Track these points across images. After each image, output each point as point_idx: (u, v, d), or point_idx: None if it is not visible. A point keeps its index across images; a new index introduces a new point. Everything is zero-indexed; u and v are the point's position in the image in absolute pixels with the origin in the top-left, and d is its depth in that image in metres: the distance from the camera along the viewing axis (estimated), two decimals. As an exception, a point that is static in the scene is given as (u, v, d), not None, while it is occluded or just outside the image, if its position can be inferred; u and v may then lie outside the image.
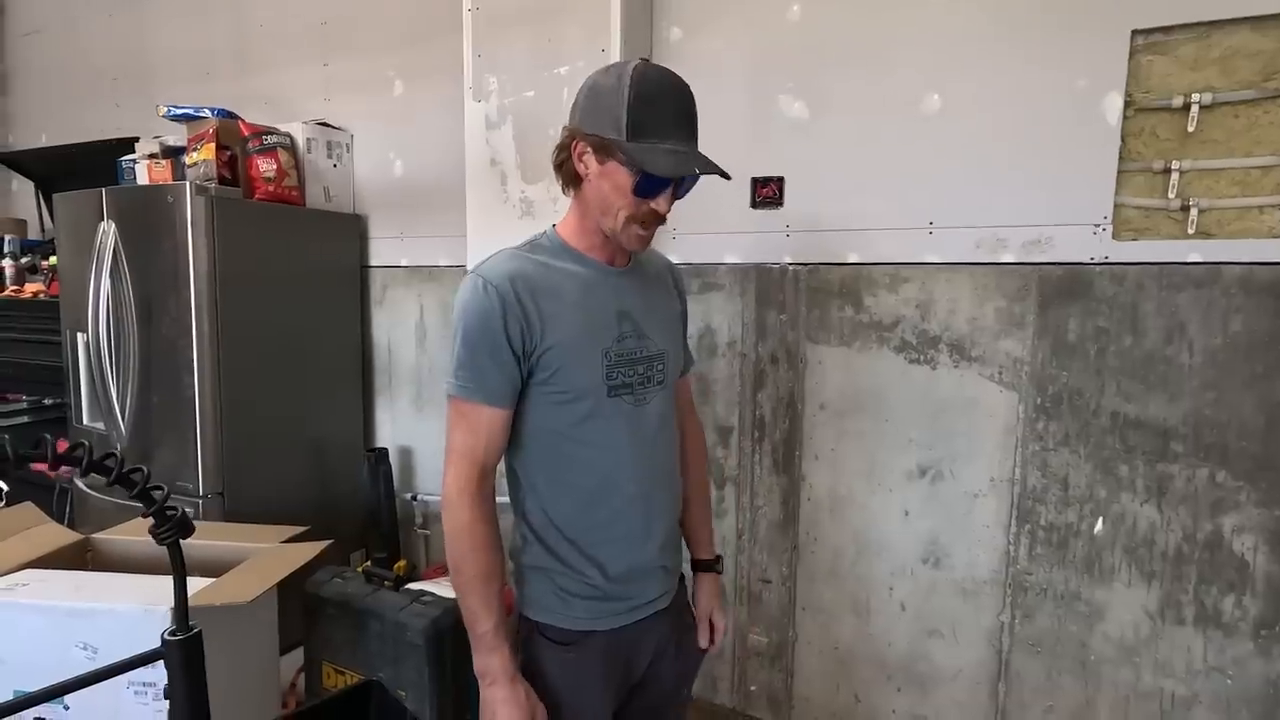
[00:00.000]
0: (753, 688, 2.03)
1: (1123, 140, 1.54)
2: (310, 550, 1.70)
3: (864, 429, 1.83)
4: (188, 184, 2.02)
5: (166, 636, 0.82)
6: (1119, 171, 1.54)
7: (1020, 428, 1.67)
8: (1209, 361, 1.49)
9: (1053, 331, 1.62)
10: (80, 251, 2.24)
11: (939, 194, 1.69)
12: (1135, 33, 1.50)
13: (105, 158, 2.45)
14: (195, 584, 1.53)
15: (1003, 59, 1.60)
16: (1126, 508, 1.59)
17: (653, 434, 1.07)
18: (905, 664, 1.83)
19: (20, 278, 2.91)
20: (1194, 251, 1.50)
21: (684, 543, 1.26)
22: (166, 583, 1.52)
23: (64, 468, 2.51)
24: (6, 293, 2.85)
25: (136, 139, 2.40)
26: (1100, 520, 1.61)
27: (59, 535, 1.78)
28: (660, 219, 1.01)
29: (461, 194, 2.26)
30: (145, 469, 0.79)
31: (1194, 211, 1.50)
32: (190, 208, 2.01)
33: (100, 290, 2.17)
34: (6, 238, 3.09)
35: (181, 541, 1.76)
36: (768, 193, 1.88)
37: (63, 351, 2.38)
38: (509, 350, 0.97)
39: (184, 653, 0.83)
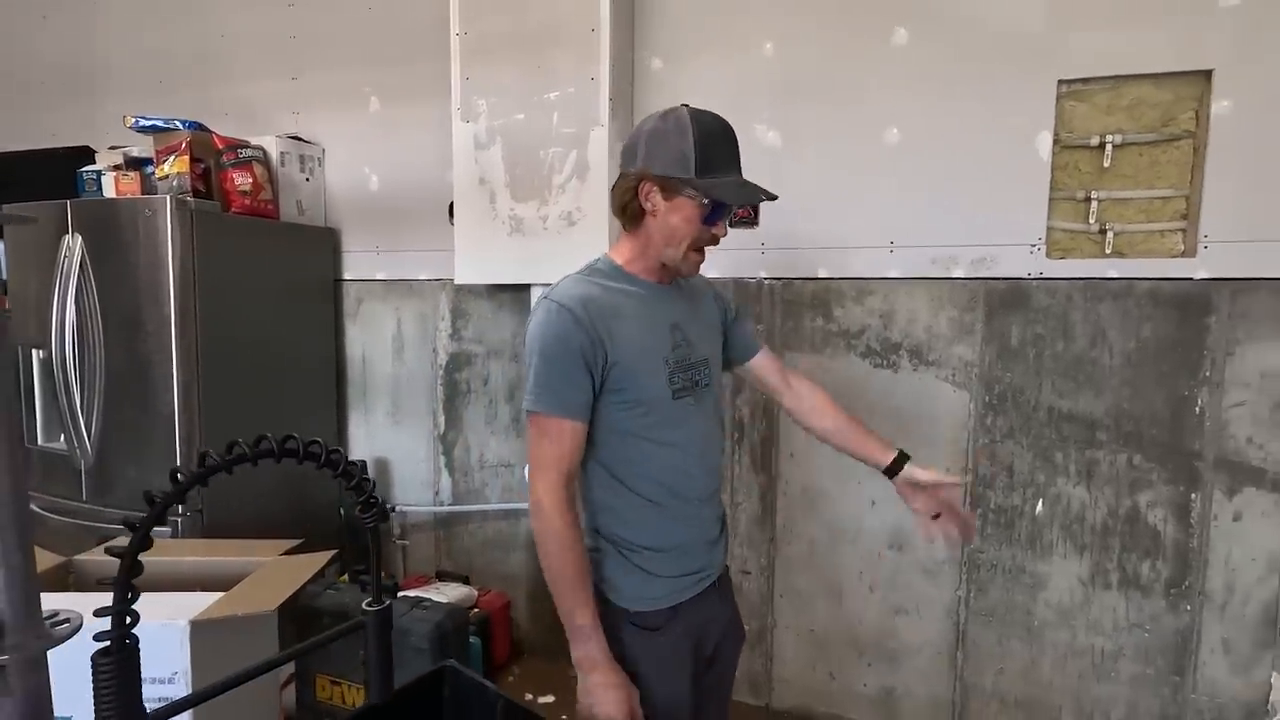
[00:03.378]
0: (735, 673, 2.17)
1: (1052, 173, 1.79)
2: (318, 561, 1.72)
3: (835, 428, 2.01)
4: (167, 198, 2.00)
5: (366, 608, 0.99)
6: (1050, 199, 1.79)
7: (971, 423, 1.89)
8: (1126, 362, 1.76)
9: (998, 338, 1.85)
10: (38, 266, 2.15)
11: (899, 216, 1.90)
12: (1061, 82, 1.76)
13: (48, 167, 2.36)
14: (205, 598, 1.53)
15: (953, 98, 1.83)
16: (1062, 490, 1.83)
17: (707, 428, 1.20)
18: (875, 641, 2.02)
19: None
20: (1111, 269, 1.76)
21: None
22: (169, 598, 1.53)
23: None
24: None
25: (90, 149, 2.32)
26: (1040, 502, 1.85)
27: (37, 559, 1.72)
28: (715, 243, 1.14)
29: (442, 211, 2.33)
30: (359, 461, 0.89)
31: (1110, 234, 1.77)
32: (170, 222, 1.98)
33: (65, 306, 2.09)
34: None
35: (178, 559, 1.75)
36: (744, 213, 2.05)
37: (21, 369, 2.26)
38: (584, 368, 1.07)
39: (380, 621, 0.98)
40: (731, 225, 2.04)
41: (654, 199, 1.10)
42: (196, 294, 2.05)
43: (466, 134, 2.11)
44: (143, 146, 2.30)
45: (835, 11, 1.91)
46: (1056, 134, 1.78)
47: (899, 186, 1.89)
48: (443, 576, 2.43)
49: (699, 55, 2.05)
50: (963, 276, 1.87)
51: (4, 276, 2.29)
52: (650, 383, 1.12)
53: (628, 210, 1.14)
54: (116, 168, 2.22)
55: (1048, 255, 1.81)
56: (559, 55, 1.98)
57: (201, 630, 1.42)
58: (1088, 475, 1.81)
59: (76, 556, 1.76)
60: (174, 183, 2.15)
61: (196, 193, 2.16)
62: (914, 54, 1.86)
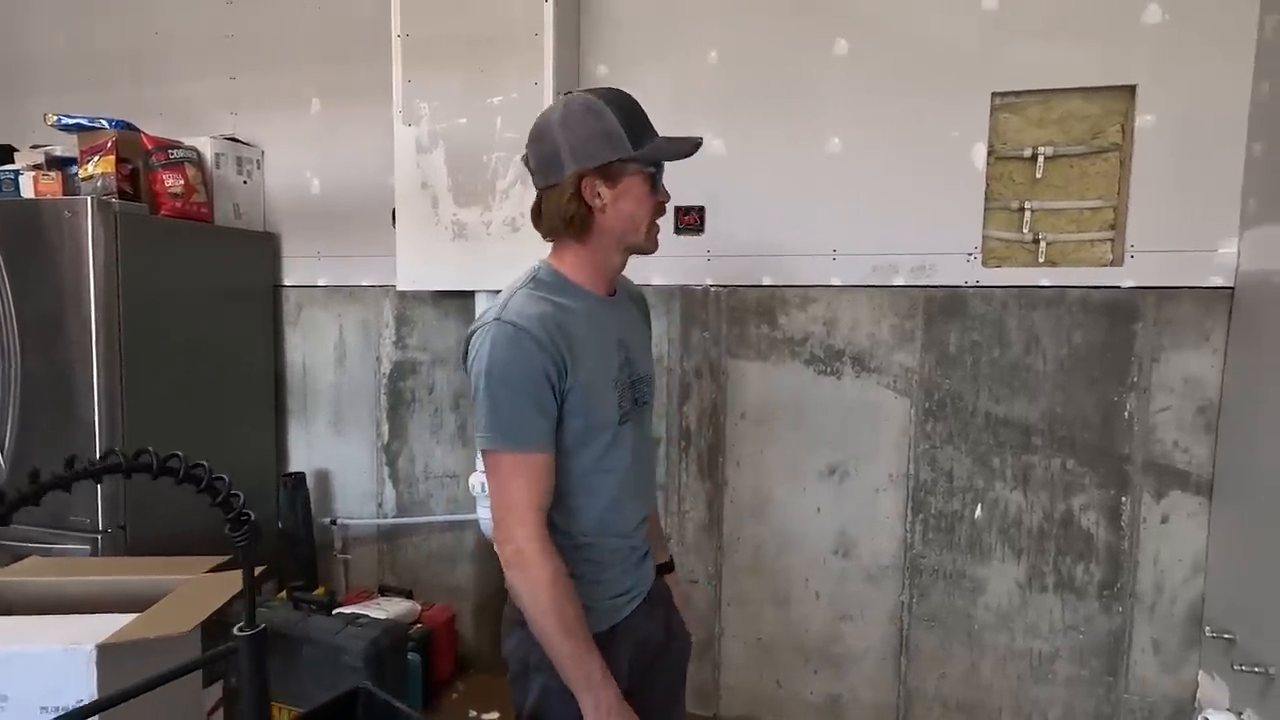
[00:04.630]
0: (683, 684, 2.15)
1: (987, 183, 1.82)
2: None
3: (780, 435, 2.02)
4: (89, 199, 1.91)
5: (237, 632, 0.88)
6: (985, 209, 1.83)
7: (912, 429, 1.91)
8: (1059, 368, 1.80)
9: (937, 345, 1.88)
10: (-51, 268, 2.03)
11: (841, 225, 1.92)
12: (995, 94, 1.80)
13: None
14: (119, 620, 1.45)
15: (892, 109, 1.86)
16: (999, 494, 1.86)
17: (644, 449, 1.16)
18: (821, 647, 2.02)
19: None
20: (1044, 277, 1.80)
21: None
22: (79, 621, 1.45)
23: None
24: None
25: (12, 148, 2.21)
26: (979, 506, 1.88)
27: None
28: (664, 212, 1.11)
29: (386, 215, 2.27)
30: (220, 474, 0.83)
31: (1043, 244, 1.81)
32: (92, 223, 1.89)
33: (-23, 311, 1.98)
34: None
35: (94, 578, 1.67)
36: (690, 220, 2.04)
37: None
38: (550, 391, 0.99)
39: (253, 646, 0.89)
40: (677, 232, 2.04)
41: (600, 193, 1.03)
42: (121, 298, 1.96)
43: (408, 137, 2.07)
44: (66, 146, 2.20)
45: (778, 21, 1.93)
46: (991, 145, 1.81)
47: (841, 195, 1.91)
48: (385, 591, 2.36)
49: (644, 62, 2.05)
50: (903, 284, 1.89)
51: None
52: (601, 408, 1.05)
53: (574, 219, 1.05)
54: (37, 167, 2.12)
55: (984, 264, 1.84)
56: (503, 60, 1.95)
57: (111, 655, 1.35)
58: (1024, 480, 1.84)
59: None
60: (98, 183, 2.06)
61: (123, 194, 2.07)
62: (854, 65, 1.88)
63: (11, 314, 1.98)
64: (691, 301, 2.06)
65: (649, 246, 1.10)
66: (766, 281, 2.00)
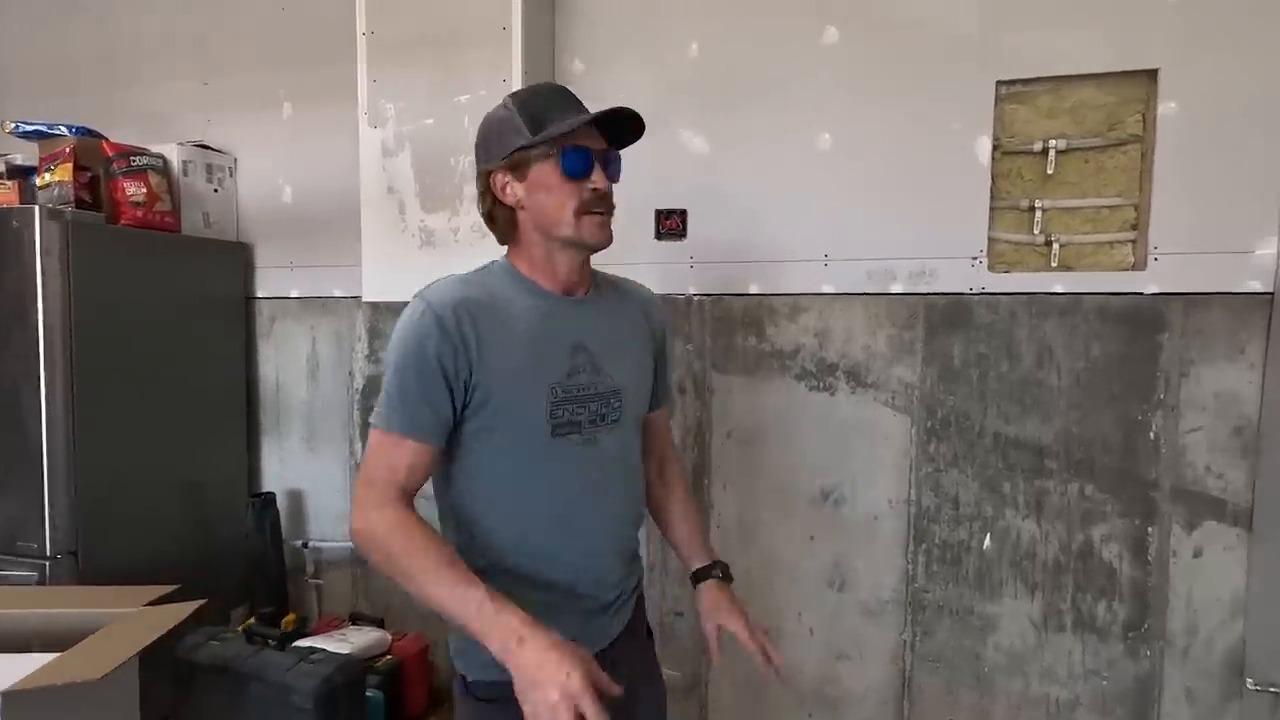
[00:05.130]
0: (668, 724, 1.99)
1: (993, 180, 1.66)
2: (178, 613, 1.52)
3: (769, 456, 1.86)
4: (36, 207, 1.82)
5: None
6: (991, 209, 1.67)
7: (914, 450, 1.75)
8: (1074, 384, 1.62)
9: (939, 357, 1.71)
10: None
11: (833, 227, 1.77)
12: (1000, 83, 1.64)
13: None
14: (37, 660, 1.34)
15: (887, 102, 1.71)
16: (1011, 523, 1.69)
17: (602, 477, 1.02)
18: (816, 688, 1.85)
19: None
20: (1057, 283, 1.63)
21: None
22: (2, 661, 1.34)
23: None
24: None
25: (-24, 157, 2.15)
26: (988, 536, 1.70)
27: None
28: (605, 199, 0.99)
29: (357, 222, 2.16)
30: None
31: (1056, 246, 1.64)
32: (40, 233, 1.80)
33: (-75, 325, 1.90)
34: None
35: (27, 611, 1.55)
36: (671, 225, 1.91)
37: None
38: (442, 379, 0.92)
39: None
40: (659, 238, 1.91)
41: (511, 187, 0.99)
42: (72, 312, 1.86)
43: (374, 140, 1.96)
44: (29, 154, 2.13)
45: (763, 10, 1.79)
46: (997, 139, 1.66)
47: (832, 195, 1.76)
48: (357, 620, 2.22)
49: (622, 57, 1.92)
50: (901, 292, 1.73)
51: None
52: (522, 413, 0.96)
53: (498, 218, 1.03)
54: (-3, 175, 2.04)
55: (990, 269, 1.68)
56: (469, 56, 1.84)
57: (19, 703, 1.23)
58: (1038, 507, 1.66)
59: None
60: (55, 192, 1.98)
61: (81, 203, 1.99)
62: (845, 55, 1.73)
63: (-38, 327, 1.90)
64: (674, 312, 1.92)
65: (587, 238, 0.99)
66: (754, 290, 1.85)
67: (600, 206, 0.99)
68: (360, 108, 1.97)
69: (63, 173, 1.98)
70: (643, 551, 1.97)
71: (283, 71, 2.29)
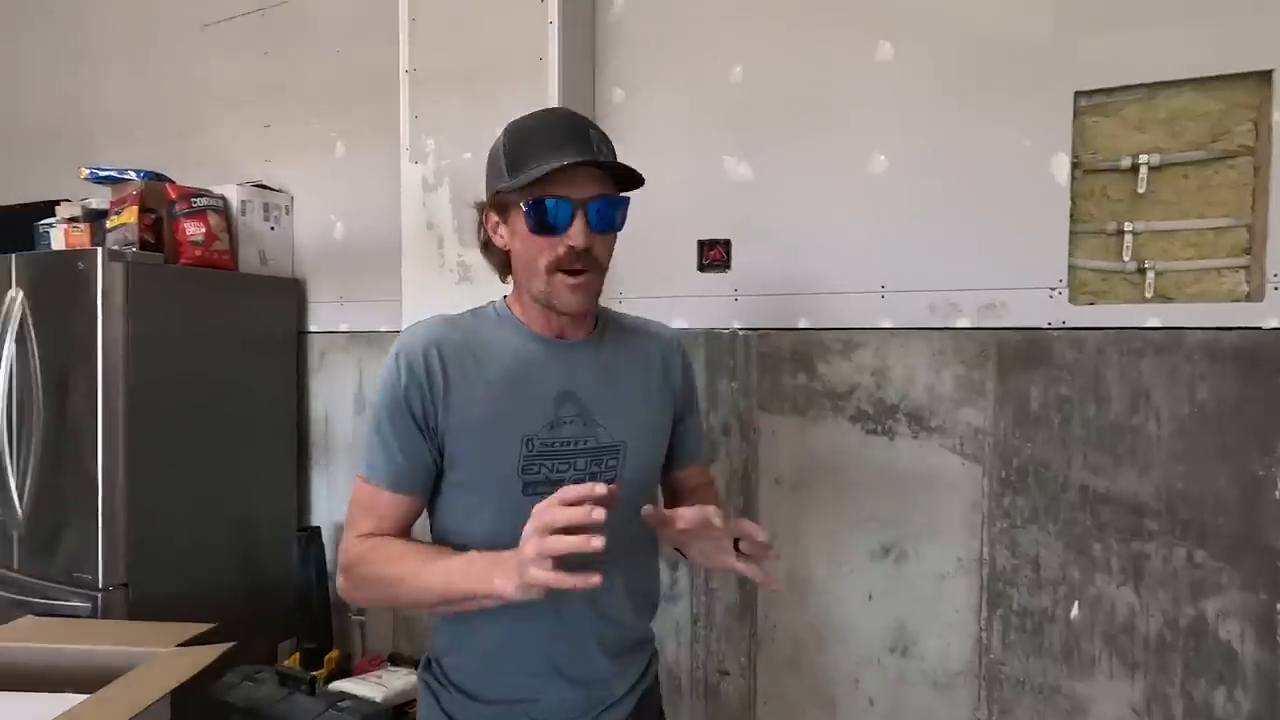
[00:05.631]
0: (713, 794, 1.84)
1: (1073, 201, 1.48)
2: (206, 656, 1.50)
3: (822, 505, 1.71)
4: (99, 249, 1.90)
5: None
6: (1072, 233, 1.48)
7: (986, 503, 1.56)
8: (1178, 432, 1.40)
9: (1014, 400, 1.53)
10: (-12, 321, 2.08)
11: (890, 256, 1.62)
12: (1079, 94, 1.47)
13: (26, 221, 2.33)
14: (65, 701, 1.34)
15: (948, 119, 1.56)
16: (1103, 591, 1.47)
17: (614, 549, 0.79)
18: (876, 767, 1.66)
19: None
20: (1153, 316, 1.42)
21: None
22: (24, 702, 1.34)
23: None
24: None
25: (58, 202, 2.28)
26: (1075, 605, 1.49)
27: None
28: (585, 257, 0.87)
29: (400, 257, 2.16)
30: None
31: (1150, 274, 1.44)
32: (102, 274, 1.88)
33: (2, 363, 2.01)
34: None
35: (69, 646, 1.57)
36: (715, 255, 1.80)
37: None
38: (414, 425, 0.87)
39: None
40: (701, 270, 1.81)
41: (499, 230, 0.92)
42: (130, 349, 1.93)
43: (415, 176, 1.95)
44: (103, 199, 2.24)
45: (810, 28, 1.68)
46: (1076, 155, 1.48)
47: (888, 222, 1.62)
48: (396, 661, 2.19)
49: (663, 83, 1.85)
50: (969, 326, 1.56)
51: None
52: (491, 466, 0.87)
53: (491, 252, 0.97)
54: (71, 220, 2.16)
55: (1072, 300, 1.49)
56: (506, 87, 1.81)
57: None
58: (1135, 573, 1.44)
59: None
60: (122, 234, 2.07)
61: (145, 244, 2.07)
62: (900, 70, 1.60)
63: (36, 365, 1.99)
64: (717, 348, 1.81)
65: (555, 302, 0.89)
66: (803, 324, 1.72)
67: (578, 264, 0.87)
68: (402, 143, 1.97)
69: (129, 215, 2.06)
70: (685, 605, 1.86)
71: (335, 111, 2.35)
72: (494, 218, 0.93)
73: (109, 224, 2.11)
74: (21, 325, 2.00)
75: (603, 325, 1.02)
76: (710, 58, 1.79)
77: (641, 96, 1.87)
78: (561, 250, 0.86)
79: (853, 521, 1.68)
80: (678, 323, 1.84)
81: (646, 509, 0.83)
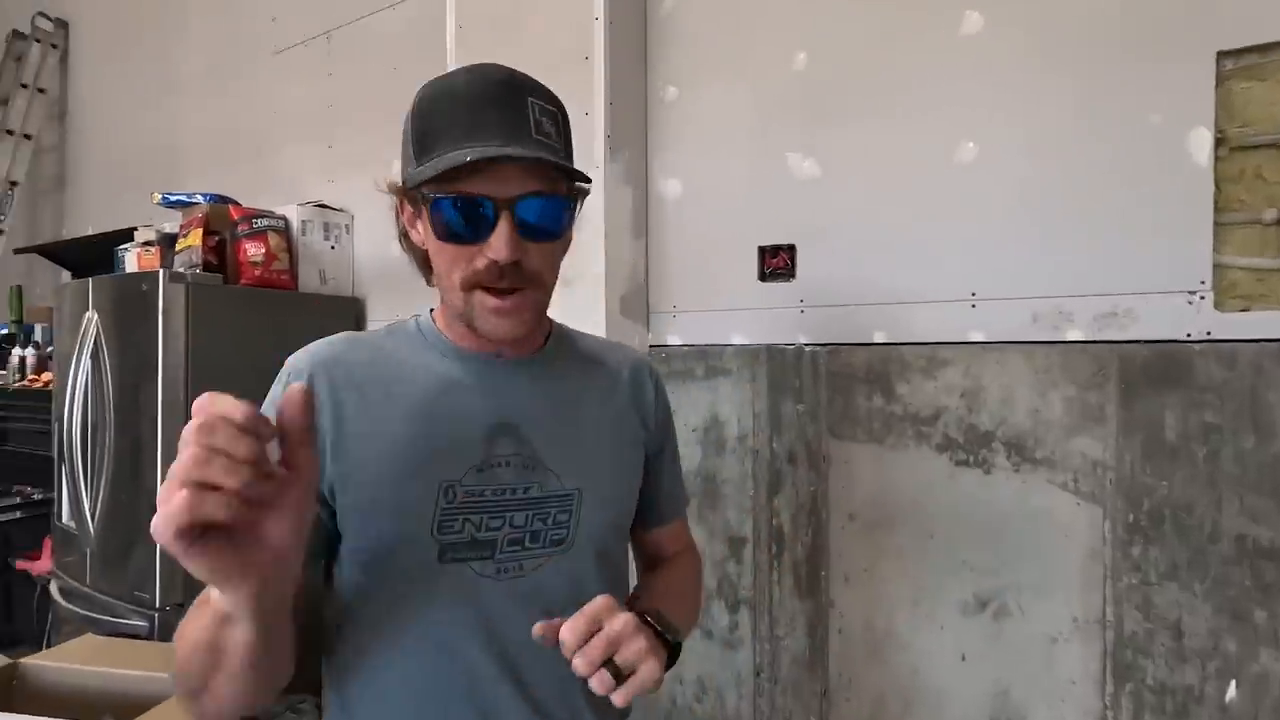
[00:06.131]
0: None
1: (1218, 186, 1.21)
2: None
3: (904, 546, 1.48)
4: (162, 271, 1.93)
5: None
6: (1216, 224, 1.22)
7: (1109, 553, 1.29)
8: (1371, 471, 1.11)
9: (1144, 428, 1.26)
10: (70, 341, 2.17)
11: (982, 258, 1.39)
12: (1221, 55, 1.20)
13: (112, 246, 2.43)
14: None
15: (1050, 96, 1.33)
16: (1269, 668, 1.17)
17: (529, 637, 0.61)
18: None
19: (41, 366, 2.92)
20: (1332, 324, 1.14)
21: None
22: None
23: (43, 564, 2.36)
24: (24, 381, 2.85)
25: (134, 229, 2.37)
26: (1233, 684, 1.20)
27: (-17, 660, 1.60)
28: (510, 274, 0.65)
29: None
30: None
31: (1326, 272, 1.15)
32: (164, 295, 1.91)
33: (78, 382, 2.08)
34: (38, 326, 3.14)
35: (115, 671, 1.54)
36: (778, 263, 1.62)
37: (53, 444, 2.29)
38: None
39: None
40: (763, 279, 1.63)
41: (416, 225, 0.72)
42: (189, 369, 1.94)
43: (462, 188, 1.88)
44: (177, 223, 2.31)
45: (882, 3, 1.49)
46: (1220, 130, 1.21)
47: (979, 218, 1.39)
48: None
49: (720, 78, 1.69)
50: (1082, 339, 1.31)
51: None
52: (393, 522, 0.66)
53: (410, 253, 0.78)
54: (145, 244, 2.23)
55: (1219, 306, 1.22)
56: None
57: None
58: (1315, 650, 1.14)
59: (25, 660, 1.62)
60: (189, 256, 2.11)
61: (208, 265, 2.10)
62: (992, 44, 1.38)
63: (108, 384, 2.04)
64: (781, 365, 1.62)
65: (477, 324, 0.68)
66: (879, 338, 1.51)
67: (502, 282, 0.66)
68: (450, 156, 1.90)
69: (194, 238, 2.10)
70: (747, 652, 1.66)
71: (392, 128, 2.32)
72: (407, 207, 0.73)
73: (177, 247, 2.16)
74: (96, 345, 2.06)
75: (555, 340, 0.82)
76: (771, 45, 1.62)
77: (697, 93, 1.73)
78: (480, 264, 0.65)
79: (941, 567, 1.44)
80: (737, 339, 1.67)
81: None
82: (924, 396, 1.46)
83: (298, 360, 0.73)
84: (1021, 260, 1.36)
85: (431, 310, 0.81)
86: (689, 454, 1.73)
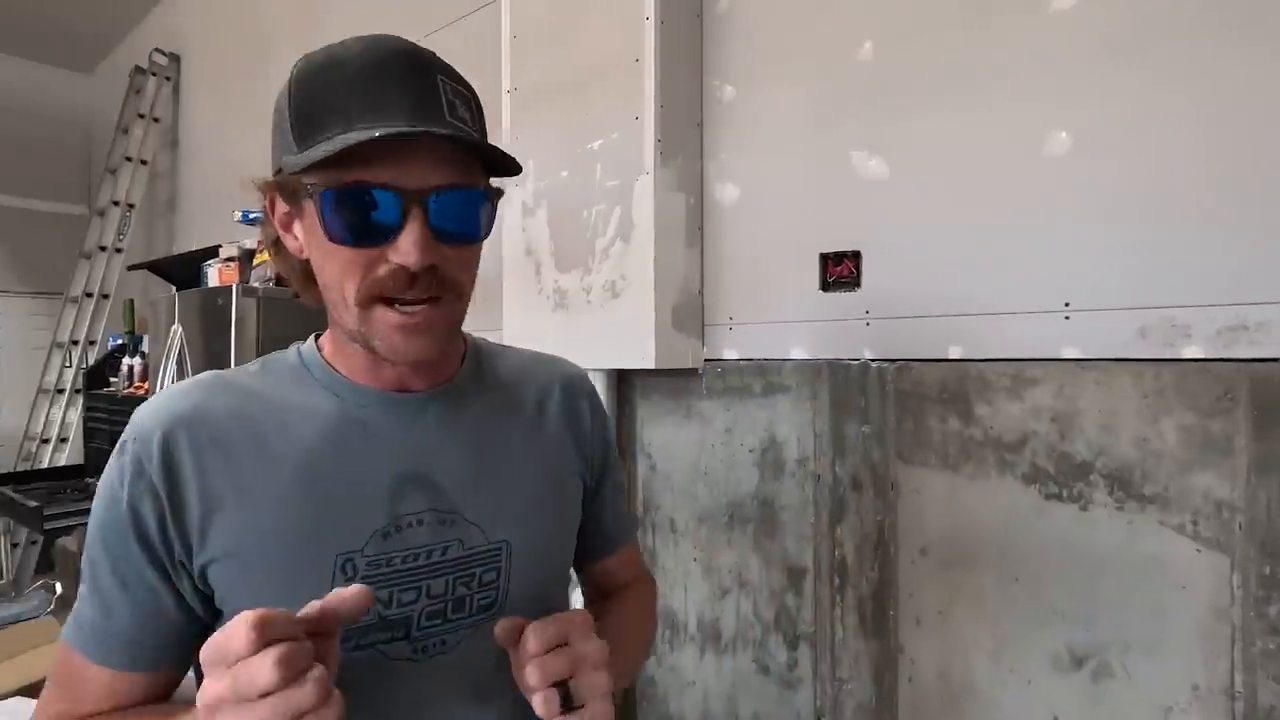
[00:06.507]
0: None
1: (1380, 172, 1.00)
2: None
3: (984, 588, 1.31)
4: (235, 285, 2.01)
5: None
6: (1378, 219, 1.00)
7: (1238, 611, 1.09)
8: None
9: (1282, 464, 1.06)
10: (160, 350, 2.31)
11: (1077, 263, 1.22)
12: (1385, 14, 1.00)
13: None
14: None
15: (1160, 75, 1.14)
16: None
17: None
18: None
19: (145, 375, 3.14)
20: None
21: None
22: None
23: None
24: (130, 388, 3.08)
25: (219, 246, 2.51)
26: (1406, 783, 0.97)
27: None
28: (420, 282, 0.55)
29: (499, 286, 2.09)
30: None
31: None
32: (236, 308, 1.99)
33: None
34: (145, 336, 3.39)
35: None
36: (842, 272, 1.50)
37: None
38: (145, 559, 0.55)
39: None
40: (825, 289, 1.51)
41: (293, 227, 0.60)
42: (259, 381, 2.01)
43: (516, 199, 1.86)
44: (256, 239, 2.42)
45: (961, -18, 1.35)
46: (1383, 104, 1.00)
47: (1074, 217, 1.22)
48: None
49: (779, 75, 1.59)
50: (1202, 357, 1.12)
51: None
52: (282, 606, 0.54)
53: (288, 262, 0.63)
54: (228, 260, 2.34)
55: (1383, 318, 1.00)
56: (600, 96, 1.65)
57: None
58: None
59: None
60: (264, 270, 2.19)
61: (280, 280, 2.17)
62: (1089, 19, 1.21)
63: (190, 393, 2.15)
64: (845, 382, 1.49)
65: (378, 345, 0.57)
66: (955, 354, 1.35)
67: (410, 293, 0.55)
68: (504, 167, 1.89)
69: (268, 254, 2.18)
70: (807, 693, 1.53)
71: (455, 142, 2.35)
72: (281, 205, 0.60)
73: (254, 262, 2.25)
74: (180, 355, 2.17)
75: (472, 361, 0.70)
76: (834, 35, 1.50)
77: (755, 93, 1.63)
78: (382, 270, 0.54)
79: (1029, 615, 1.27)
80: (796, 353, 1.55)
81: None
82: (1008, 420, 1.29)
83: (143, 422, 0.58)
84: (1125, 265, 1.18)
85: (316, 337, 0.68)
86: (745, 477, 1.62)
